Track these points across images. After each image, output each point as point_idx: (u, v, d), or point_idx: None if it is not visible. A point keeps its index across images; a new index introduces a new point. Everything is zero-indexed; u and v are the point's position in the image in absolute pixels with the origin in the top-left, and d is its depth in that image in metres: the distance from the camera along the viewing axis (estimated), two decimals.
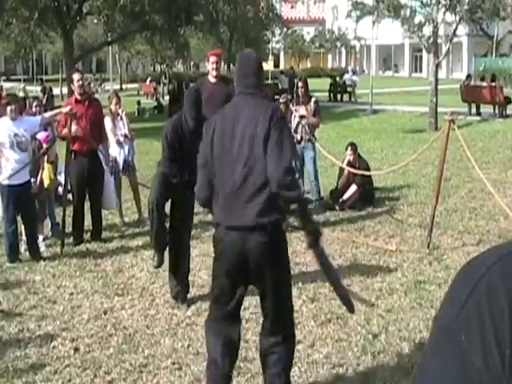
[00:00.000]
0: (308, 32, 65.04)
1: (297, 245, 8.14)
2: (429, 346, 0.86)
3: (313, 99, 9.99)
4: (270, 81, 39.91)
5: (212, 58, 8.61)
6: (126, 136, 9.22)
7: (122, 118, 9.24)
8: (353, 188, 9.90)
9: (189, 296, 6.44)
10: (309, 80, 10.79)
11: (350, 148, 10.14)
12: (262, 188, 3.82)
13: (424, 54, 48.22)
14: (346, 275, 6.91)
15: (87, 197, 8.64)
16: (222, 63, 39.82)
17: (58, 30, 25.98)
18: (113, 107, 9.22)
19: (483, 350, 0.77)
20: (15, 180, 7.55)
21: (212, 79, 8.61)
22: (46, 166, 8.63)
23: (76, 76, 8.54)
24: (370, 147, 15.31)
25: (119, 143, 9.16)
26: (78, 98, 8.50)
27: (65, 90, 29.36)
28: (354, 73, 35.86)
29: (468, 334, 0.79)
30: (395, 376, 4.68)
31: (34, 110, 9.61)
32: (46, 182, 8.60)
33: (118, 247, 8.29)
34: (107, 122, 9.10)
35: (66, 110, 8.36)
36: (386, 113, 25.48)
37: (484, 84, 23.92)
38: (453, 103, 23.29)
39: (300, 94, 9.92)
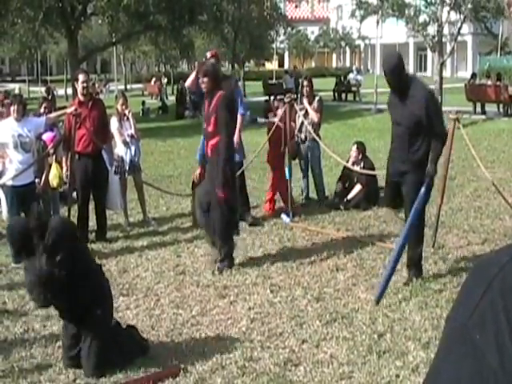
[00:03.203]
0: (312, 31, 64.97)
1: (302, 243, 8.14)
2: (441, 346, 0.85)
3: (316, 98, 10.03)
4: (274, 80, 39.95)
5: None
6: (132, 136, 9.22)
7: (128, 119, 9.24)
8: (357, 187, 9.90)
9: (193, 296, 6.44)
10: (313, 80, 10.79)
11: (355, 146, 10.15)
12: None
13: (429, 52, 48.07)
14: (351, 275, 6.91)
15: (92, 197, 8.65)
16: (227, 62, 39.60)
17: (63, 31, 26.03)
18: (119, 107, 9.22)
19: (498, 350, 0.76)
20: (19, 181, 7.56)
21: None
22: (54, 165, 8.61)
23: (81, 77, 8.50)
24: (375, 146, 15.25)
25: (126, 143, 9.16)
26: (81, 99, 8.50)
27: (69, 91, 29.43)
28: (359, 72, 35.84)
29: (483, 333, 0.78)
30: (401, 375, 4.67)
31: (41, 110, 9.60)
32: (56, 181, 8.58)
33: (123, 247, 8.29)
34: (113, 122, 9.11)
35: (70, 110, 8.38)
36: None
37: (489, 82, 23.88)
38: (457, 102, 23.25)
39: (305, 92, 9.96)
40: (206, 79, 7.18)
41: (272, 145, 9.63)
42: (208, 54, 8.99)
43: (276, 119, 9.79)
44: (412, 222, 6.28)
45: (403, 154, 6.50)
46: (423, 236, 6.76)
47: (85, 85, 8.47)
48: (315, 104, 9.91)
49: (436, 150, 6.41)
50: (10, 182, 7.58)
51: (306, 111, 9.93)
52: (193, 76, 8.78)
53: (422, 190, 6.32)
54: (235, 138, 8.93)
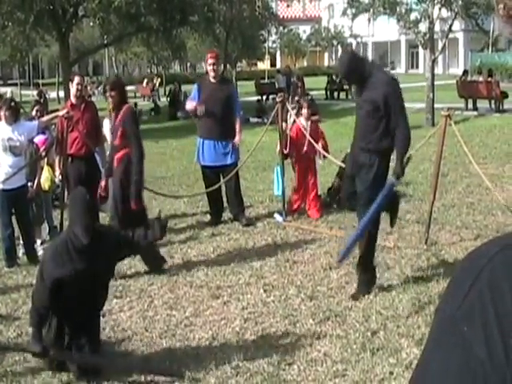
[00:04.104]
0: (304, 30, 65.00)
1: (295, 243, 8.15)
2: (430, 337, 0.84)
3: (307, 97, 10.01)
4: (266, 80, 39.96)
5: (210, 60, 8.89)
6: None
7: None
8: None
9: (186, 297, 6.44)
10: (305, 78, 10.82)
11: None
12: None
13: (420, 50, 48.17)
14: (344, 273, 6.92)
15: None
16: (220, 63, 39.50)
17: (54, 34, 25.95)
18: None
19: (486, 341, 0.76)
20: (9, 184, 7.54)
21: (212, 79, 8.91)
22: (46, 168, 8.60)
23: (77, 79, 8.51)
24: None
25: None
26: (74, 101, 8.50)
27: (61, 94, 29.35)
28: None
29: (471, 324, 0.78)
30: (394, 372, 4.68)
31: (34, 113, 9.57)
32: (47, 184, 8.56)
33: None
34: (106, 123, 9.11)
35: (62, 113, 8.37)
36: None
37: (480, 78, 23.95)
38: (449, 99, 23.31)
39: (299, 92, 9.95)
40: (113, 93, 7.17)
41: (299, 147, 9.46)
42: (210, 60, 8.93)
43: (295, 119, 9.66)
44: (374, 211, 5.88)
45: (362, 142, 6.16)
46: (375, 241, 6.42)
47: (79, 87, 8.48)
48: (305, 104, 9.80)
49: (399, 146, 6.03)
50: (0, 186, 7.55)
51: (298, 110, 9.91)
52: (194, 104, 8.79)
53: (388, 184, 6.00)
54: (236, 139, 8.95)
